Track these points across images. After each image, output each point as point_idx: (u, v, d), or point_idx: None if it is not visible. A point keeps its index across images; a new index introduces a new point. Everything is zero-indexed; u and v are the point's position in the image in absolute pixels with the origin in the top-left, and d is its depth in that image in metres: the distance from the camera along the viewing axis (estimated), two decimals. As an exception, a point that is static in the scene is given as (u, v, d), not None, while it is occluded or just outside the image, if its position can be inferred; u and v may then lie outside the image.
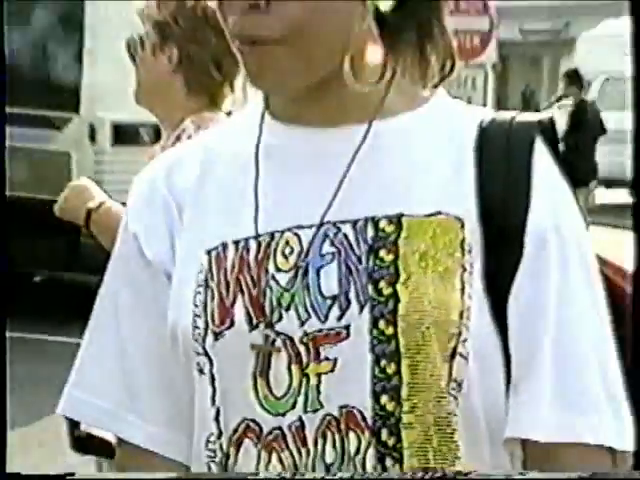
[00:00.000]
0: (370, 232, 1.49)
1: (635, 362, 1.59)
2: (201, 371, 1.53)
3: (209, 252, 1.54)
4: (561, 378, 1.48)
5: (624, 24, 23.37)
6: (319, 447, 1.48)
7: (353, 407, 1.47)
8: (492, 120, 1.55)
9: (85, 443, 3.18)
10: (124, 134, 9.05)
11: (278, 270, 1.51)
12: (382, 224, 1.49)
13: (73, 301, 9.45)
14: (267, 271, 1.51)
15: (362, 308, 1.47)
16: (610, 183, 19.77)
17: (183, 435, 1.58)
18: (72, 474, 1.29)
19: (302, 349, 1.48)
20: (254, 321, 1.50)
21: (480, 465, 1.49)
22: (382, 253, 1.48)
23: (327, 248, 1.50)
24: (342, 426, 1.47)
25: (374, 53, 1.53)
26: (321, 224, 1.51)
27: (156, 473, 1.55)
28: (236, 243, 1.53)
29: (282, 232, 1.52)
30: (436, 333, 1.46)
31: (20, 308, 10.39)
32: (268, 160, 1.56)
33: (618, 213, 19.38)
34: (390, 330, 1.46)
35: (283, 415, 1.49)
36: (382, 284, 1.47)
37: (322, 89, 1.51)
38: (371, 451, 1.47)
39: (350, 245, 1.49)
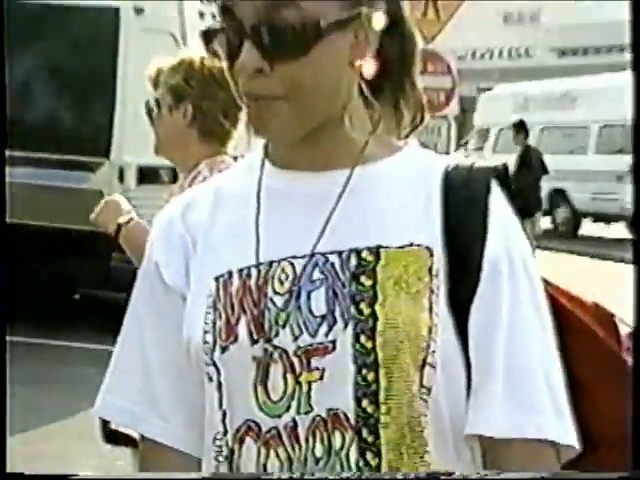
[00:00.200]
0: (353, 261, 1.50)
1: (636, 366, 1.58)
2: (210, 379, 1.53)
3: (217, 279, 1.54)
4: (512, 384, 1.49)
5: (522, 85, 23.71)
6: (310, 443, 1.48)
7: (338, 409, 1.47)
8: (455, 166, 1.56)
9: (114, 436, 3.20)
10: (147, 175, 9.07)
11: (275, 293, 1.51)
12: (363, 254, 1.50)
13: (105, 315, 9.49)
14: (266, 294, 1.51)
15: (346, 325, 1.47)
16: (601, 218, 19.74)
17: (195, 433, 1.58)
18: (75, 475, 1.28)
19: (295, 360, 1.49)
20: (255, 337, 1.50)
21: (445, 457, 1.49)
22: (363, 279, 1.49)
23: (317, 275, 1.50)
24: (329, 426, 1.48)
25: (358, 108, 1.53)
26: (312, 254, 1.51)
27: (157, 473, 1.55)
28: (240, 271, 1.53)
29: (279, 261, 1.52)
30: (409, 346, 1.46)
31: (63, 321, 10.43)
32: (267, 200, 1.56)
33: (559, 238, 19.47)
34: (370, 344, 1.47)
35: (279, 417, 1.49)
36: (363, 305, 1.48)
37: (312, 139, 1.52)
38: (354, 447, 1.47)
39: (336, 272, 1.50)
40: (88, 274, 10.43)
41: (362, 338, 1.47)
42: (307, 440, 1.48)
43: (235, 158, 3.34)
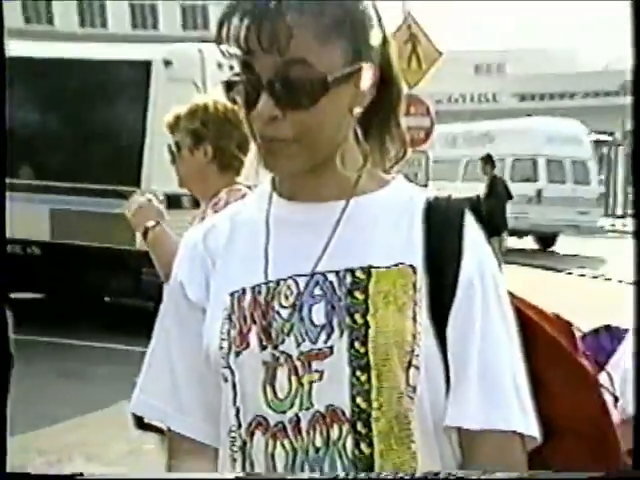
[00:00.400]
0: (348, 279, 1.49)
1: (637, 368, 1.57)
2: (226, 380, 1.52)
3: (232, 294, 1.53)
4: (484, 384, 1.48)
5: (451, 126, 23.92)
6: (311, 435, 1.47)
7: (336, 406, 1.46)
8: (435, 198, 1.55)
9: (143, 424, 3.21)
10: (172, 201, 9.09)
11: (282, 307, 1.50)
12: (357, 273, 1.49)
13: (135, 320, 9.52)
14: (273, 308, 1.50)
15: (342, 333, 1.46)
16: (515, 233, 19.84)
17: (213, 426, 1.57)
18: (81, 474, 1.26)
19: (299, 364, 1.47)
20: (264, 344, 1.49)
21: (428, 447, 1.48)
22: (357, 294, 1.48)
23: (317, 291, 1.50)
24: (328, 420, 1.46)
25: (352, 146, 1.53)
26: (313, 274, 1.50)
27: (167, 474, 1.53)
28: (252, 288, 1.52)
29: (285, 279, 1.51)
30: (396, 351, 1.46)
31: (95, 323, 10.46)
32: (275, 227, 1.56)
33: (521, 254, 19.50)
34: (363, 349, 1.46)
35: (284, 412, 1.48)
36: (357, 316, 1.47)
37: (313, 174, 1.51)
38: (350, 438, 1.46)
39: (333, 289, 1.49)
40: (121, 285, 10.43)
41: (356, 344, 1.46)
42: (309, 433, 1.47)
43: (249, 187, 3.33)
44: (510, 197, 16.99)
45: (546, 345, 1.60)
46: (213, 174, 3.47)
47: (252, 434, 1.50)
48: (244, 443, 1.51)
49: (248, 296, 1.52)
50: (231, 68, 1.51)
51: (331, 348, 1.46)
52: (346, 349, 1.46)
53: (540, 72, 56.17)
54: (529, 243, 22.21)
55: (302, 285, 1.50)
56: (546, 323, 1.62)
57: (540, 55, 62.80)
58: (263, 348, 1.49)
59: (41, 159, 10.65)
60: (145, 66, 10.21)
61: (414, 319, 1.47)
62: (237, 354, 1.50)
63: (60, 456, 6.36)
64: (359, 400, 1.46)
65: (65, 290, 11.32)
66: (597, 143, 32.11)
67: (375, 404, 1.45)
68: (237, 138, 3.32)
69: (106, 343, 9.46)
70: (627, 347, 2.26)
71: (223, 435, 1.54)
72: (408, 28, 11.97)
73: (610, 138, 32.81)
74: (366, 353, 1.45)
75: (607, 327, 2.37)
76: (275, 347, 1.48)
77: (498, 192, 16.27)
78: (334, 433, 1.46)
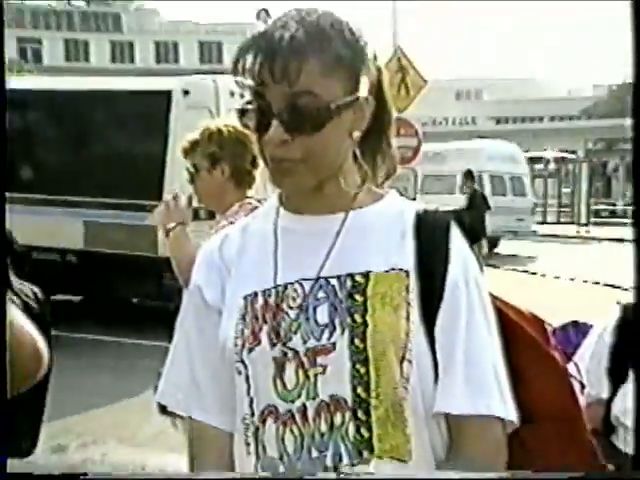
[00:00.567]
0: (349, 283, 1.48)
1: (636, 366, 1.55)
2: (240, 373, 1.51)
3: (245, 297, 1.53)
4: (468, 374, 1.47)
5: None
6: (317, 422, 1.46)
7: (339, 395, 1.45)
8: (425, 210, 1.55)
9: (167, 411, 3.18)
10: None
11: (289, 308, 1.50)
12: (357, 278, 1.48)
13: (158, 319, 9.51)
14: (282, 309, 1.50)
15: (343, 331, 1.46)
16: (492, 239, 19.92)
17: (229, 414, 1.56)
18: (85, 474, 1.25)
19: (305, 359, 1.47)
20: (274, 341, 1.49)
21: (420, 431, 1.47)
22: (356, 296, 1.47)
23: (321, 294, 1.49)
24: (332, 408, 1.46)
25: (351, 166, 1.53)
26: (317, 278, 1.50)
27: (162, 473, 1.52)
28: (263, 291, 1.52)
29: (292, 283, 1.51)
30: (392, 346, 1.45)
31: (123, 322, 10.46)
32: (282, 237, 1.55)
33: (499, 258, 19.49)
34: (362, 345, 1.45)
35: (293, 402, 1.47)
36: (356, 316, 1.46)
37: (316, 191, 1.51)
38: (351, 424, 1.45)
39: (335, 292, 1.48)
40: (146, 288, 10.41)
41: (356, 341, 1.45)
42: (315, 419, 1.46)
43: (259, 201, 3.32)
44: (488, 208, 16.98)
45: (523, 340, 1.59)
46: (229, 190, 3.45)
47: (264, 421, 1.49)
48: (257, 429, 1.50)
49: (259, 299, 1.51)
50: (242, 96, 1.51)
51: (334, 345, 1.46)
52: (347, 345, 1.45)
53: (513, 98, 56.33)
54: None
55: (307, 289, 1.49)
56: (523, 321, 1.61)
57: (513, 83, 62.98)
58: (273, 345, 1.48)
59: (76, 178, 10.66)
60: (166, 95, 10.21)
61: (407, 318, 1.46)
62: (250, 350, 1.49)
63: (95, 438, 6.35)
64: (359, 390, 1.45)
65: (98, 293, 11.32)
66: (563, 160, 32.15)
67: (374, 394, 1.45)
68: (249, 156, 3.32)
69: (133, 339, 9.46)
70: (590, 340, 2.26)
71: (238, 422, 1.53)
72: (398, 60, 11.98)
73: (574, 156, 32.82)
74: (365, 349, 1.45)
75: (574, 323, 2.38)
76: (284, 344, 1.48)
77: (477, 204, 16.27)
78: (337, 419, 1.45)
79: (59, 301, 10.94)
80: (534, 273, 15.77)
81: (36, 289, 1.84)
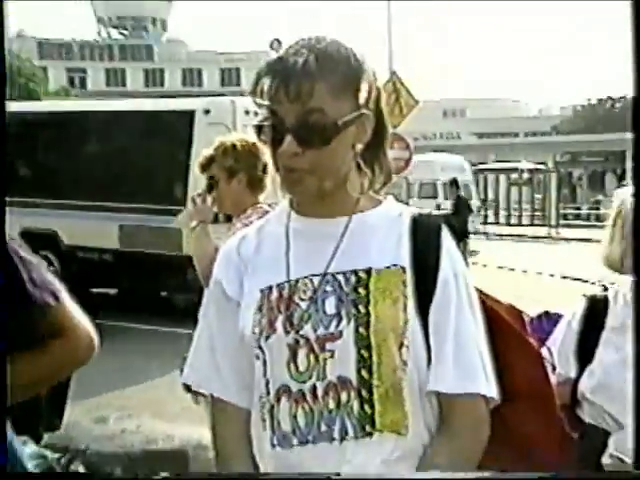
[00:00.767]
0: (353, 278, 1.48)
1: (637, 364, 1.54)
2: (257, 358, 1.50)
3: (262, 291, 1.52)
4: (457, 358, 1.47)
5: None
6: (325, 400, 1.45)
7: (345, 377, 1.45)
8: (419, 214, 1.54)
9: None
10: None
11: (301, 300, 1.49)
12: (360, 273, 1.48)
13: (183, 309, 9.57)
14: (294, 301, 1.49)
15: (349, 321, 1.45)
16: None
17: (247, 394, 1.55)
18: (88, 474, 1.23)
19: (315, 345, 1.46)
20: (288, 329, 1.48)
21: (415, 408, 1.47)
22: (360, 290, 1.47)
23: (328, 288, 1.48)
24: (338, 388, 1.45)
25: (353, 175, 1.52)
26: (325, 274, 1.49)
27: (163, 473, 1.49)
28: (277, 285, 1.51)
29: (303, 278, 1.50)
30: (392, 334, 1.45)
31: (154, 311, 10.45)
32: (293, 237, 1.54)
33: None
34: (365, 333, 1.45)
35: (304, 382, 1.46)
36: (360, 307, 1.46)
37: (323, 197, 1.50)
38: (356, 402, 1.44)
39: (341, 286, 1.48)
40: (172, 283, 10.38)
41: (360, 329, 1.45)
42: (323, 398, 1.45)
43: (270, 205, 3.31)
44: (471, 211, 16.91)
45: (503, 328, 1.58)
46: (245, 196, 3.44)
47: (279, 399, 1.48)
48: (272, 407, 1.49)
49: (274, 292, 1.50)
50: (256, 114, 1.50)
51: (341, 332, 1.45)
52: (353, 333, 1.45)
53: (492, 116, 56.25)
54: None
55: (316, 283, 1.48)
56: (504, 311, 1.61)
57: (493, 103, 62.98)
58: (287, 333, 1.47)
59: (112, 187, 10.67)
60: (190, 114, 10.20)
61: (404, 309, 1.46)
62: (267, 338, 1.48)
63: (131, 412, 6.34)
64: (363, 372, 1.44)
65: (131, 287, 11.31)
66: (535, 170, 32.04)
67: (376, 375, 1.44)
68: (261, 165, 3.31)
69: (162, 327, 9.43)
70: (561, 328, 2.25)
71: (255, 401, 1.52)
72: (393, 84, 12.00)
73: (544, 167, 32.76)
74: (368, 336, 1.44)
75: (547, 313, 2.38)
76: (297, 332, 1.47)
77: (461, 208, 16.22)
78: (343, 398, 1.45)
79: (97, 293, 10.96)
80: (512, 269, 15.70)
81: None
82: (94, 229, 10.60)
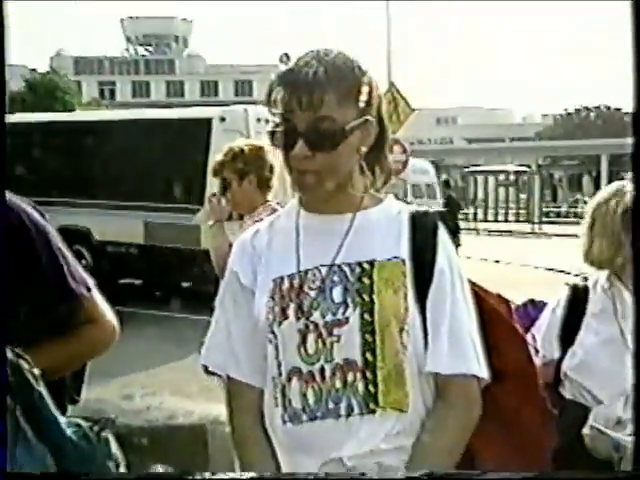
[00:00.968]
0: (357, 269, 1.47)
1: (636, 362, 1.53)
2: (270, 342, 1.49)
3: (274, 280, 1.51)
4: (451, 342, 1.46)
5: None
6: (332, 380, 1.45)
7: (351, 359, 1.44)
8: (417, 211, 1.54)
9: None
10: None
11: (310, 289, 1.48)
12: (364, 265, 1.47)
13: (201, 298, 9.48)
14: (304, 290, 1.48)
15: (355, 308, 1.45)
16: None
17: (260, 375, 1.54)
18: (87, 474, 1.21)
19: (323, 331, 1.45)
20: (299, 316, 1.47)
21: (415, 388, 1.46)
22: (364, 280, 1.46)
23: (335, 278, 1.47)
24: (345, 369, 1.44)
25: (357, 176, 1.51)
26: (332, 265, 1.48)
27: (164, 474, 1.47)
28: (288, 276, 1.50)
29: (312, 269, 1.49)
30: (393, 320, 1.44)
31: (175, 300, 10.45)
32: (303, 232, 1.53)
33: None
34: (370, 319, 1.44)
35: (313, 364, 1.45)
36: (365, 296, 1.45)
37: (330, 195, 1.49)
38: (361, 382, 1.44)
39: (347, 276, 1.47)
40: (192, 274, 10.36)
41: (365, 316, 1.44)
42: (331, 378, 1.44)
43: (278, 203, 3.30)
44: (460, 209, 16.90)
45: (493, 316, 1.57)
46: (256, 196, 3.43)
47: (290, 380, 1.47)
48: (284, 387, 1.48)
49: (286, 282, 1.49)
50: (267, 122, 1.50)
51: (347, 319, 1.44)
52: (358, 319, 1.44)
53: (481, 123, 56.22)
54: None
55: (324, 273, 1.48)
56: (492, 300, 1.60)
57: (481, 111, 62.89)
58: (298, 319, 1.46)
59: (136, 186, 10.70)
60: (207, 122, 10.21)
61: (405, 298, 1.45)
62: (280, 324, 1.48)
63: (154, 390, 6.36)
64: (367, 355, 1.43)
65: (155, 277, 11.31)
66: (520, 172, 31.99)
67: (379, 358, 1.43)
68: (268, 166, 3.30)
69: (182, 314, 9.43)
70: (545, 314, 2.25)
71: (268, 381, 1.51)
72: (392, 94, 11.99)
73: (528, 169, 32.71)
74: (372, 322, 1.43)
75: (532, 301, 2.37)
76: (307, 318, 1.46)
77: (453, 206, 16.21)
78: (349, 378, 1.44)
79: (124, 284, 10.98)
80: (497, 261, 15.68)
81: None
82: (122, 226, 10.64)
